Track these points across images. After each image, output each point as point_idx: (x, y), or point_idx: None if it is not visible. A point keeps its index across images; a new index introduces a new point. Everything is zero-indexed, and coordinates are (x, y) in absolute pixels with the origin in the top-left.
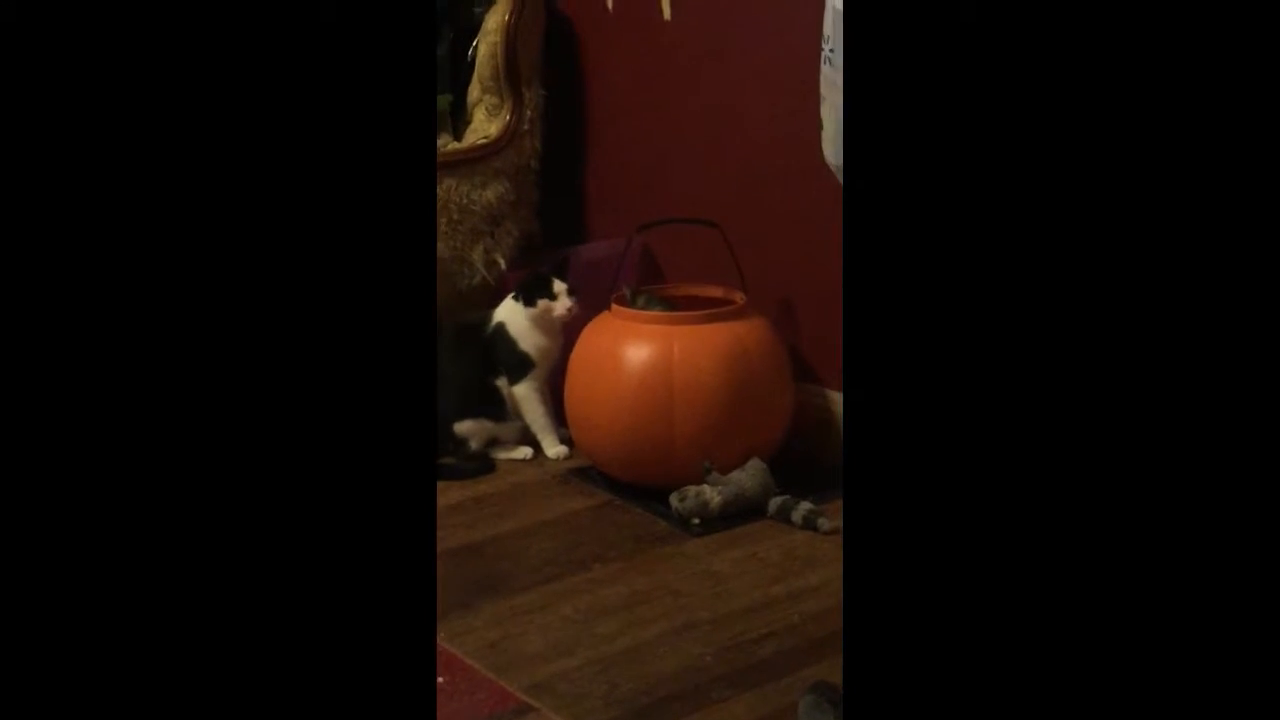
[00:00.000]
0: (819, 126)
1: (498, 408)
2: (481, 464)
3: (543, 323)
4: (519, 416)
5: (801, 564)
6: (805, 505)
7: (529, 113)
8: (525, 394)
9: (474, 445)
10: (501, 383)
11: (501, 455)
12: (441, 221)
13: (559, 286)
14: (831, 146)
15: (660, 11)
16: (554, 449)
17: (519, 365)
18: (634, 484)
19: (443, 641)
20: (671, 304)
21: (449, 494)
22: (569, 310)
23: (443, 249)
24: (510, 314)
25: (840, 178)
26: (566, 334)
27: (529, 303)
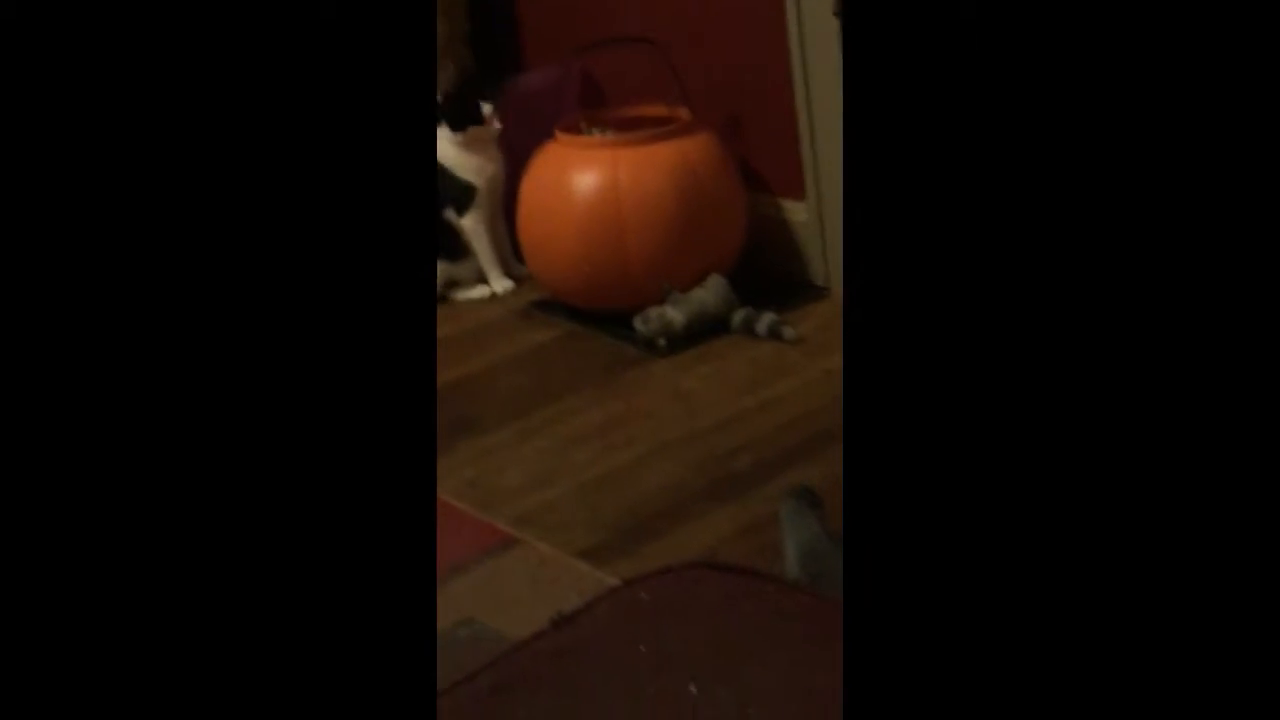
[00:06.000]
0: None
1: (454, 247)
2: None
3: (476, 146)
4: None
5: (770, 374)
6: (769, 316)
7: None
8: (472, 226)
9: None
10: (452, 217)
11: (460, 296)
12: None
13: (485, 108)
14: None
15: None
16: (499, 283)
17: (461, 195)
18: (595, 311)
19: None
20: (617, 127)
21: None
22: (498, 129)
23: None
24: (443, 145)
25: None
26: (512, 165)
27: (457, 128)
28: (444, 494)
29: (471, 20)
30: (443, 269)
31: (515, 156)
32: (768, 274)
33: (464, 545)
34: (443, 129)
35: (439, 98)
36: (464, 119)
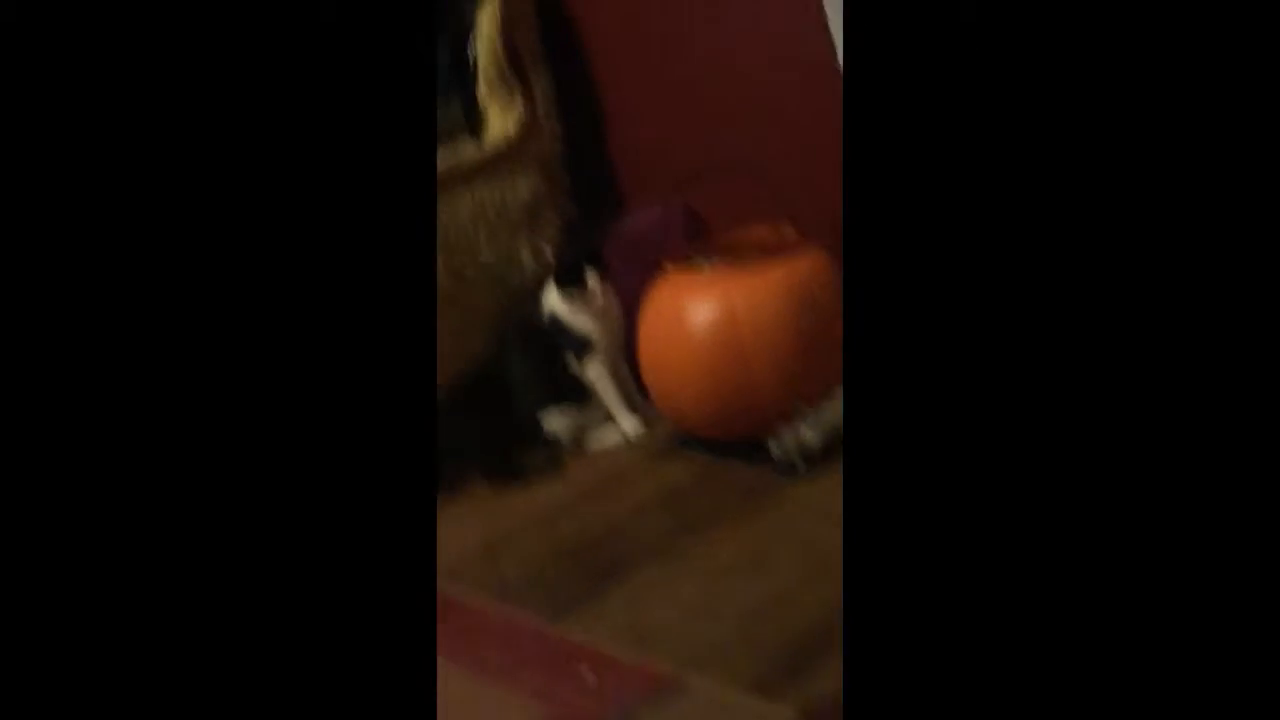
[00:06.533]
0: (832, 49)
1: (580, 394)
2: (550, 459)
3: (587, 306)
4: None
5: None
6: None
7: (541, 100)
8: (595, 374)
9: (565, 437)
10: (574, 365)
11: (594, 444)
12: (483, 228)
13: (590, 275)
14: None
15: None
16: (630, 426)
17: (580, 347)
18: (729, 441)
19: (578, 635)
20: (725, 254)
21: (549, 491)
22: (602, 298)
23: (488, 254)
24: (556, 301)
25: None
26: (626, 305)
27: (566, 292)
28: (601, 641)
29: (570, 172)
30: (572, 417)
31: (628, 297)
32: None
33: (627, 693)
34: (552, 286)
35: (548, 255)
36: (571, 281)
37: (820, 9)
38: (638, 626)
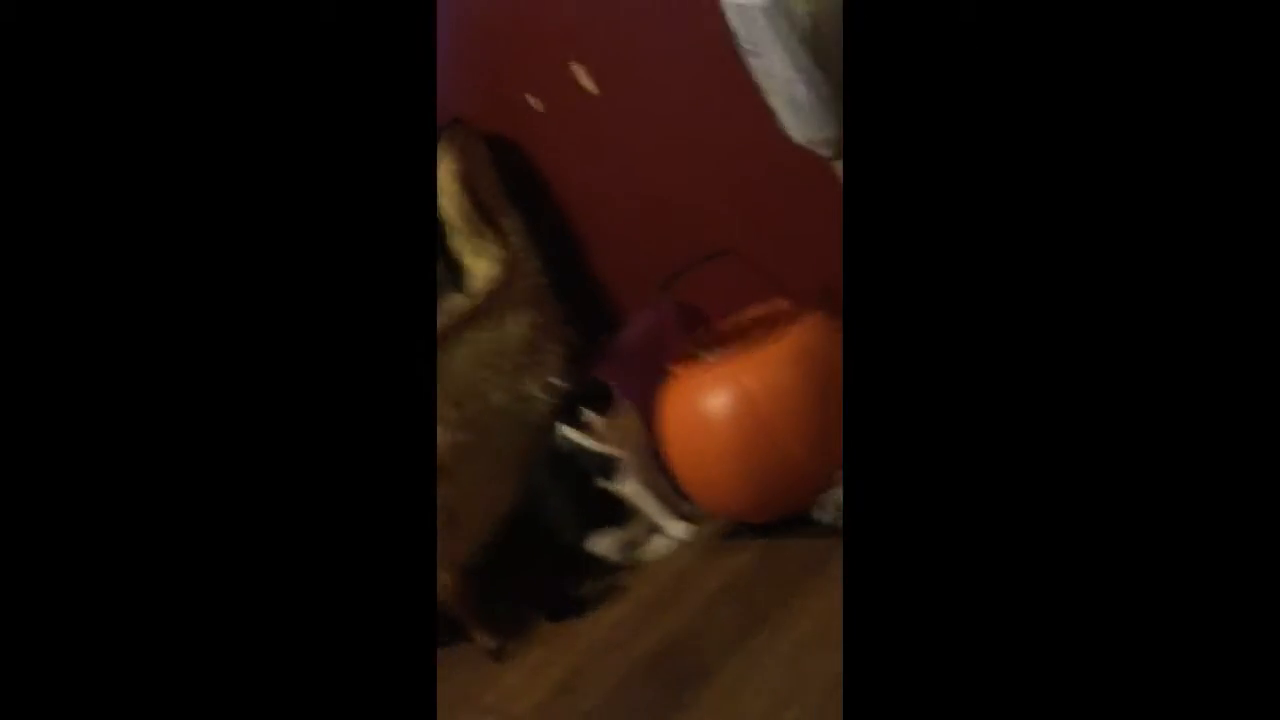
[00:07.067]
0: (774, 116)
1: (620, 512)
2: (607, 582)
3: (606, 430)
4: None
5: None
6: None
7: (515, 238)
8: (630, 490)
9: (616, 557)
10: (608, 485)
11: (647, 555)
12: (487, 374)
13: (588, 417)
14: (794, 122)
15: (585, 88)
16: (675, 530)
17: (608, 467)
18: (774, 520)
19: None
20: (726, 340)
21: (613, 613)
22: (605, 435)
23: (498, 397)
24: (573, 432)
25: (821, 150)
26: (641, 412)
27: (582, 419)
28: None
29: (560, 298)
30: (617, 536)
31: (643, 405)
32: None
33: None
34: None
35: (557, 383)
36: (575, 423)
37: (754, 85)
38: None
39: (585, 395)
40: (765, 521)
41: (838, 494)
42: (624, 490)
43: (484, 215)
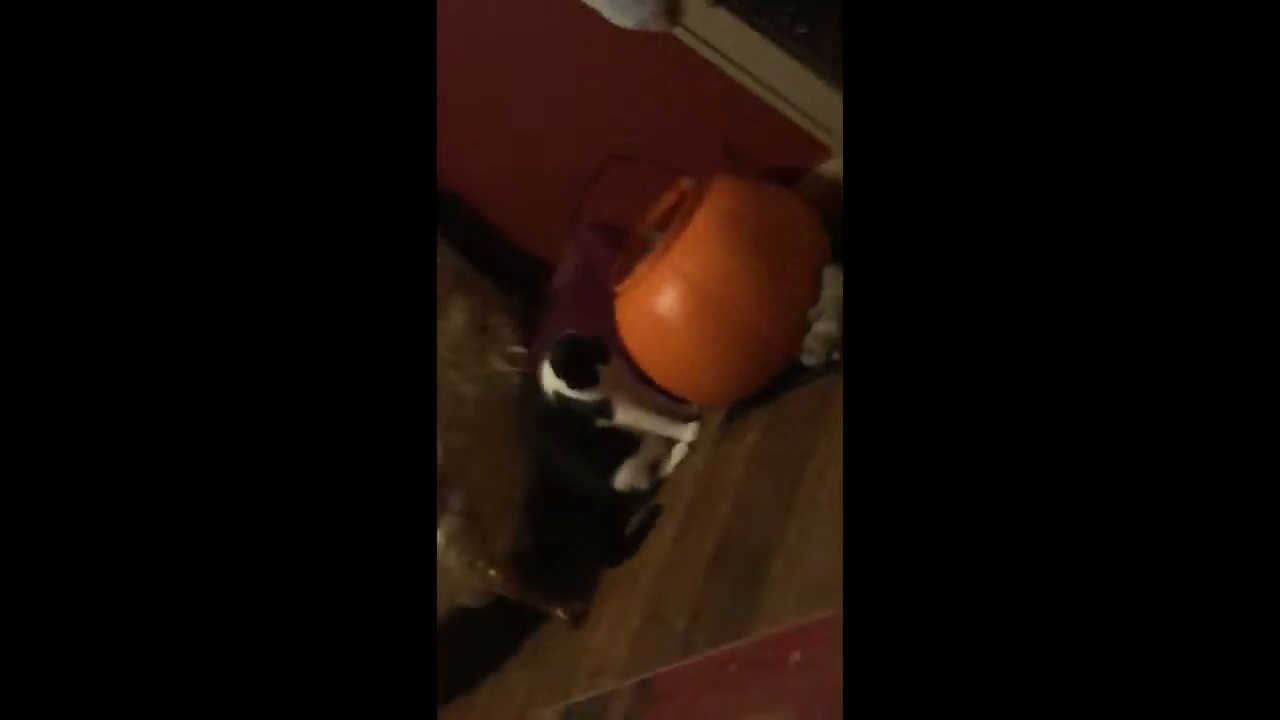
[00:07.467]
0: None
1: (626, 442)
2: (647, 510)
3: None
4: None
5: None
6: None
7: None
8: (627, 416)
9: (643, 484)
10: (606, 423)
11: (668, 469)
12: (453, 372)
13: (600, 371)
14: (614, 11)
15: None
16: (685, 434)
17: (597, 407)
18: (765, 384)
19: (775, 627)
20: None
21: (664, 533)
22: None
23: (471, 389)
24: (551, 380)
25: (654, 26)
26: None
27: (576, 384)
28: (788, 615)
29: (485, 275)
30: (637, 464)
31: (602, 333)
32: None
33: (829, 649)
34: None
35: (520, 351)
36: (579, 372)
37: None
38: (808, 584)
39: (585, 353)
40: (758, 389)
41: (818, 332)
42: (623, 420)
43: None
